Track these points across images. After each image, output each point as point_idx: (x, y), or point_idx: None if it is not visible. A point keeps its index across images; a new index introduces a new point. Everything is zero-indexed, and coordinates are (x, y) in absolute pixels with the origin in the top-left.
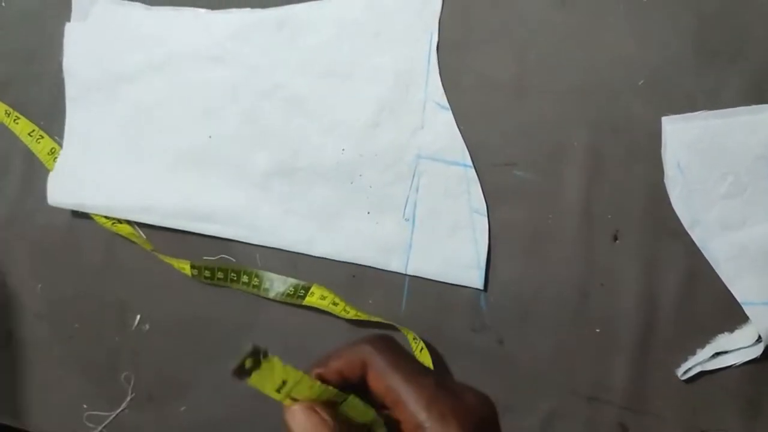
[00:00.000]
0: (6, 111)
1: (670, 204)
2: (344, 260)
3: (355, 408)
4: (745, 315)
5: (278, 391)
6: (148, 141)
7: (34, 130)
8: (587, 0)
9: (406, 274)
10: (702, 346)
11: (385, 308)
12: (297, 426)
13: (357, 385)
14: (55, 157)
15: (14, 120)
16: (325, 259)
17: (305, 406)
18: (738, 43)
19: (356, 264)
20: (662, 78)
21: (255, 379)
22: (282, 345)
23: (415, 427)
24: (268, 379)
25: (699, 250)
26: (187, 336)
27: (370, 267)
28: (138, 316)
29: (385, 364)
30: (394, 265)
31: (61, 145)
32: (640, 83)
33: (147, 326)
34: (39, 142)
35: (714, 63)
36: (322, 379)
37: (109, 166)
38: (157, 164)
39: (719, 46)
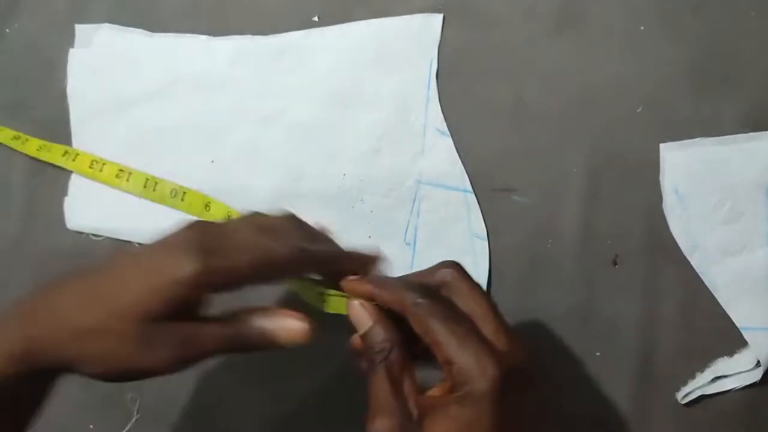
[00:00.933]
0: (15, 135)
1: (669, 230)
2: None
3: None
4: (744, 340)
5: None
6: (153, 166)
7: (42, 146)
8: (585, 28)
9: None
10: (701, 370)
11: None
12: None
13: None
14: (72, 157)
15: (23, 143)
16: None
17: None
18: (735, 70)
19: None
20: (660, 105)
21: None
22: None
23: (446, 362)
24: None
25: (698, 275)
26: None
27: None
28: None
29: (426, 311)
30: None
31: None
32: (638, 110)
33: None
34: (50, 151)
35: (711, 90)
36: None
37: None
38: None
39: (717, 73)
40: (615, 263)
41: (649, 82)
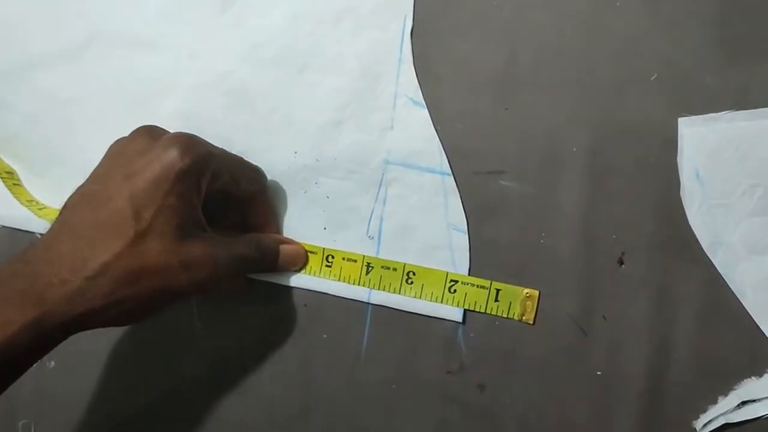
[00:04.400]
0: None
1: (686, 222)
2: (293, 285)
3: None
4: None
5: None
6: (63, 141)
7: None
8: None
9: (368, 303)
10: (725, 393)
11: (342, 344)
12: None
13: None
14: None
15: None
16: (271, 283)
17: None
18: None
19: (308, 290)
20: (679, 72)
21: None
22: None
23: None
24: None
25: (721, 277)
26: (95, 374)
27: (325, 294)
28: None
29: None
30: (354, 292)
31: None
32: (652, 78)
33: (52, 363)
34: None
35: (742, 55)
36: None
37: (19, 170)
38: (71, 170)
39: (748, 34)
40: (621, 262)
41: (665, 44)
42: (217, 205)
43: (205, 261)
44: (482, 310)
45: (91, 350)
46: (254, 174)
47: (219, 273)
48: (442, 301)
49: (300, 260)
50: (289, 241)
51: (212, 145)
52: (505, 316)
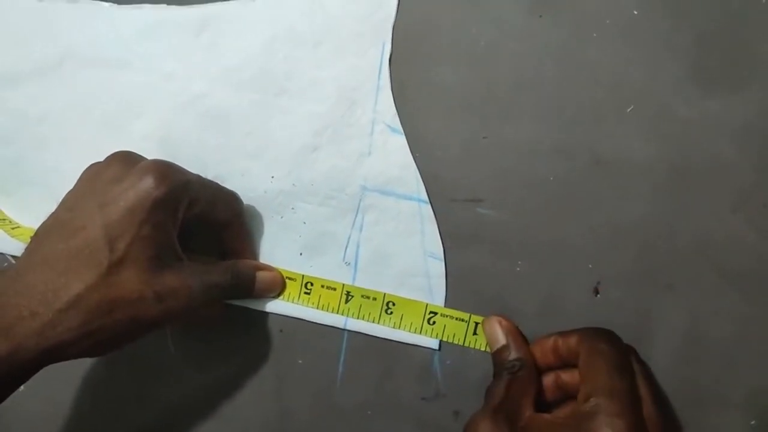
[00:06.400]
0: None
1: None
2: (269, 311)
3: None
4: None
5: None
6: (34, 160)
7: None
8: (569, 11)
9: (344, 329)
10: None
11: (317, 369)
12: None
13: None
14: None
15: None
16: (246, 308)
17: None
18: (747, 61)
19: (284, 316)
20: (655, 103)
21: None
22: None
23: (585, 395)
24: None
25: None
26: (67, 400)
27: (300, 320)
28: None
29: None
30: (330, 318)
31: None
32: (628, 110)
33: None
34: None
35: (715, 87)
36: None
37: None
38: (42, 190)
39: (722, 67)
40: (596, 292)
41: (641, 75)
42: (194, 230)
43: (180, 291)
44: (460, 343)
45: (62, 376)
46: (230, 199)
47: (194, 303)
48: (420, 332)
49: (277, 287)
50: (266, 267)
51: (189, 172)
52: (483, 349)
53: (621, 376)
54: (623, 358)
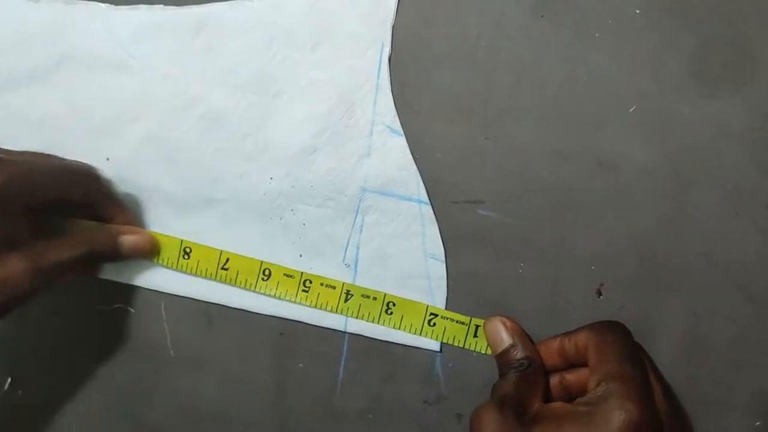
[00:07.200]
0: None
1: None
2: (269, 314)
3: None
4: None
5: None
6: None
7: None
8: (570, 12)
9: (345, 332)
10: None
11: (318, 373)
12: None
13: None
14: None
15: None
16: (246, 311)
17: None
18: (747, 62)
19: (284, 319)
20: (657, 104)
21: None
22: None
23: (596, 383)
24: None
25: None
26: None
27: (301, 323)
28: (9, 379)
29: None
30: (331, 321)
31: None
32: (630, 110)
33: (20, 392)
34: None
35: (717, 87)
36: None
37: None
38: None
39: (723, 66)
40: (599, 293)
41: (643, 75)
42: (66, 209)
43: (22, 276)
44: (460, 345)
45: (62, 376)
46: (84, 179)
47: (42, 282)
48: (420, 334)
49: (147, 245)
50: (132, 231)
51: (33, 158)
52: (483, 352)
53: (633, 365)
54: (634, 350)
